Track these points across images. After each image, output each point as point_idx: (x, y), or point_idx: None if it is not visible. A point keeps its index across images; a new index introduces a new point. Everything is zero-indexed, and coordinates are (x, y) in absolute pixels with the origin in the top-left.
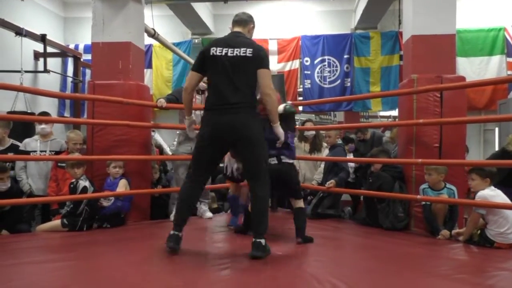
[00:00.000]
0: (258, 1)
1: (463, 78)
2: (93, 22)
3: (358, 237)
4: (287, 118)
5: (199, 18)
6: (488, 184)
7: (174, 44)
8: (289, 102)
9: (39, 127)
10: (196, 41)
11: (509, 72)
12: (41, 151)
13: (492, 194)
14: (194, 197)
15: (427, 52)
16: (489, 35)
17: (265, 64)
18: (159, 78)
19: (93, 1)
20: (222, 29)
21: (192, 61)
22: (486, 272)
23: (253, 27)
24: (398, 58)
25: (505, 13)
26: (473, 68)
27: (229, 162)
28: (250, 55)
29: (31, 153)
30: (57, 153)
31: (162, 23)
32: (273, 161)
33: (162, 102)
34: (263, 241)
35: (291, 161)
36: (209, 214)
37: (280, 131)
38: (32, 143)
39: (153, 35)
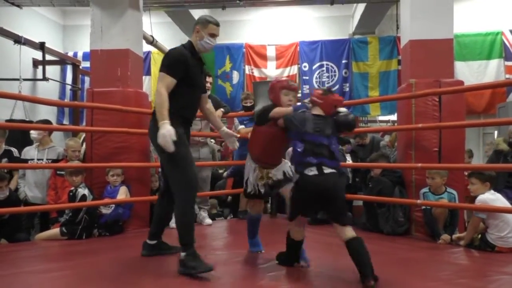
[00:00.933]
0: (256, 7)
1: (461, 82)
2: (92, 30)
3: None
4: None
5: None
6: (488, 188)
7: None
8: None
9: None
10: None
11: (507, 76)
12: (38, 159)
13: (492, 198)
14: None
15: (425, 57)
16: (487, 39)
17: (162, 65)
18: None
19: (92, 9)
20: (220, 35)
21: None
22: (487, 277)
23: (198, 29)
24: (396, 62)
25: (502, 17)
26: (472, 72)
27: (251, 176)
28: None
29: (29, 161)
30: (55, 161)
31: (161, 30)
32: (312, 171)
33: None
34: (182, 254)
35: (335, 171)
36: (208, 220)
37: (162, 132)
38: (30, 151)
39: (152, 42)
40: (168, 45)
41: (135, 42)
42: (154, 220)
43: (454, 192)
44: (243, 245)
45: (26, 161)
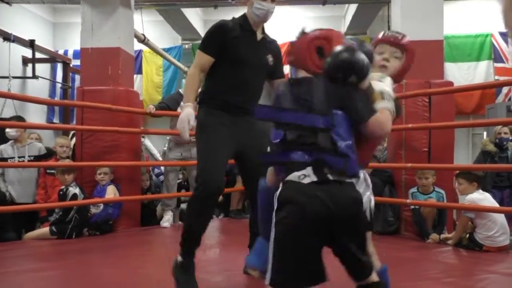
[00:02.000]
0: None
1: (451, 83)
2: (82, 28)
3: None
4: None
5: (189, 23)
6: (476, 188)
7: (164, 49)
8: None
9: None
10: (187, 46)
11: (496, 77)
12: (19, 157)
13: (480, 197)
14: None
15: (415, 58)
16: (477, 41)
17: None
18: (149, 83)
19: (82, 7)
20: None
21: (183, 67)
22: (475, 276)
23: None
24: None
25: (492, 19)
26: (461, 73)
27: None
28: None
29: (9, 160)
30: (37, 157)
31: (152, 28)
32: (305, 177)
33: (151, 108)
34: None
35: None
36: None
37: (180, 115)
38: (8, 149)
39: (143, 40)
40: (160, 44)
41: (126, 41)
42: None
43: (442, 191)
44: (236, 244)
45: (5, 159)
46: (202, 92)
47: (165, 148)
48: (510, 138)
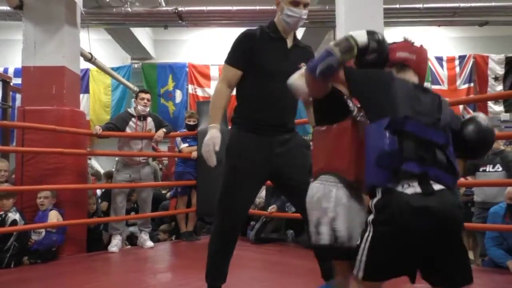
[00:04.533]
0: (199, 27)
1: None
2: (24, 45)
3: (302, 260)
4: None
5: (139, 43)
6: None
7: (113, 68)
8: None
9: None
10: (136, 66)
11: None
12: None
13: None
14: None
15: None
16: None
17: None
18: (96, 103)
19: (24, 24)
20: (163, 54)
21: (132, 86)
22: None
23: (277, 1)
24: None
25: (428, 45)
26: None
27: (344, 213)
28: None
29: None
30: None
31: (100, 47)
32: (410, 187)
33: (97, 129)
34: None
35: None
36: (150, 243)
37: (205, 139)
38: None
39: (90, 59)
40: (108, 63)
41: (71, 59)
42: None
43: None
44: (189, 268)
45: None
46: (234, 110)
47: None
48: None
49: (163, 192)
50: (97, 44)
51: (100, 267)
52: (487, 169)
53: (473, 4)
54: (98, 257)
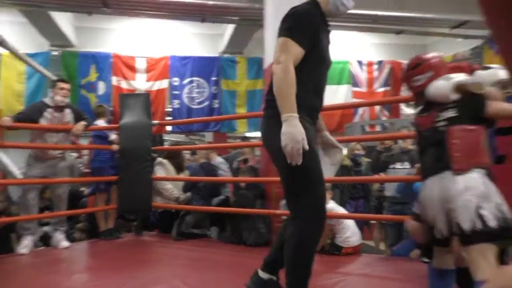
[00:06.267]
0: (125, 16)
1: None
2: None
3: (224, 256)
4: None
5: (58, 28)
6: (332, 197)
7: (28, 55)
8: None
9: None
10: (56, 53)
11: (354, 100)
12: None
13: (334, 206)
14: None
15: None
16: (338, 67)
17: (283, 28)
18: (8, 91)
19: None
20: (85, 43)
21: (50, 75)
22: (332, 278)
23: None
24: (262, 82)
25: (349, 49)
26: (326, 95)
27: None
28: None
29: None
30: None
31: (13, 30)
32: None
33: (7, 121)
34: None
35: None
36: (65, 243)
37: (288, 130)
38: None
39: (1, 43)
40: (23, 48)
41: None
42: (275, 245)
43: None
44: (107, 268)
45: None
46: None
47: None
48: (362, 153)
49: (82, 189)
50: (10, 26)
51: (9, 270)
52: (396, 167)
53: (390, 13)
54: (6, 260)
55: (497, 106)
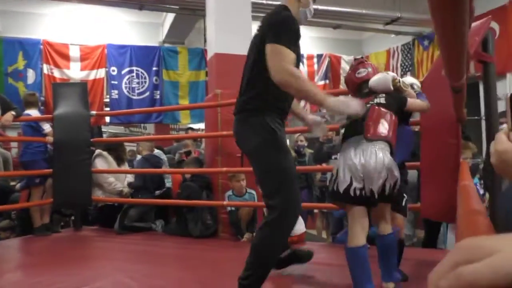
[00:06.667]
0: (57, 1)
1: None
2: None
3: (169, 248)
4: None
5: None
6: None
7: None
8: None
9: None
10: None
11: None
12: None
13: None
14: None
15: (228, 69)
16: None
17: (273, 34)
18: None
19: None
20: (11, 28)
21: None
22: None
23: None
24: (205, 74)
25: None
26: None
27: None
28: (258, 29)
29: None
30: None
31: None
32: None
33: None
34: None
35: None
36: None
37: (341, 98)
38: None
39: None
40: None
41: None
42: None
43: (253, 192)
44: (42, 265)
45: None
46: (259, 97)
47: None
48: (305, 145)
49: (12, 184)
50: None
51: None
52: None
53: (328, 8)
54: None
55: (412, 101)
